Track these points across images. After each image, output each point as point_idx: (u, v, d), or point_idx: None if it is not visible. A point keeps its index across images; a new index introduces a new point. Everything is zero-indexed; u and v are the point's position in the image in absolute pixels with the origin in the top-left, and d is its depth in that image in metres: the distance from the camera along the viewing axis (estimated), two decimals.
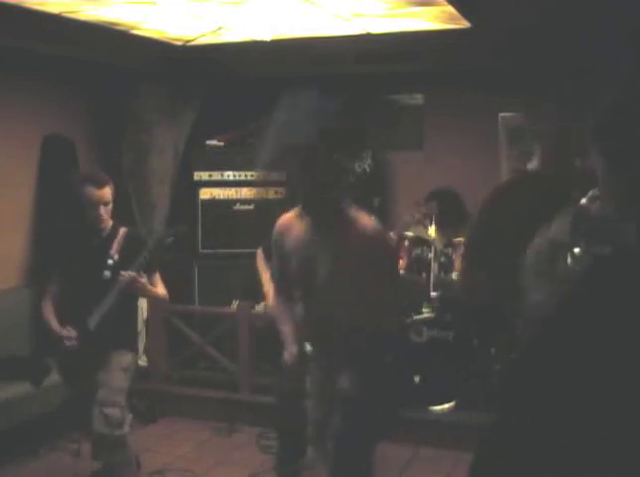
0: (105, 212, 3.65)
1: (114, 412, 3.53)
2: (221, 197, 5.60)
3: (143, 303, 4.86)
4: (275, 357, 3.92)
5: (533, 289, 1.28)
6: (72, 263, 3.71)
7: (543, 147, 5.40)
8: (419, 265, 4.79)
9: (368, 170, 6.00)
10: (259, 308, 4.84)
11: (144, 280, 3.60)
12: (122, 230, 3.76)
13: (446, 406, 4.53)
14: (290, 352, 2.85)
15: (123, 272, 3.53)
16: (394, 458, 4.24)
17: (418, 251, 4.81)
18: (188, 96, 5.65)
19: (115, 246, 3.67)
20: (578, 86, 4.07)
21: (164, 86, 5.57)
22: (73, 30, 4.39)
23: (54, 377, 4.18)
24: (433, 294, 4.70)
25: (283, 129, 2.83)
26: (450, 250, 4.82)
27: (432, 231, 4.85)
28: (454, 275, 4.79)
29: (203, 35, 4.73)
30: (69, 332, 3.59)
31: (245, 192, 5.58)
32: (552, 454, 1.07)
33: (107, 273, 3.61)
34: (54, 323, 3.67)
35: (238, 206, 5.60)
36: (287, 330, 2.94)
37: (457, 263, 4.79)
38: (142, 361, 5.09)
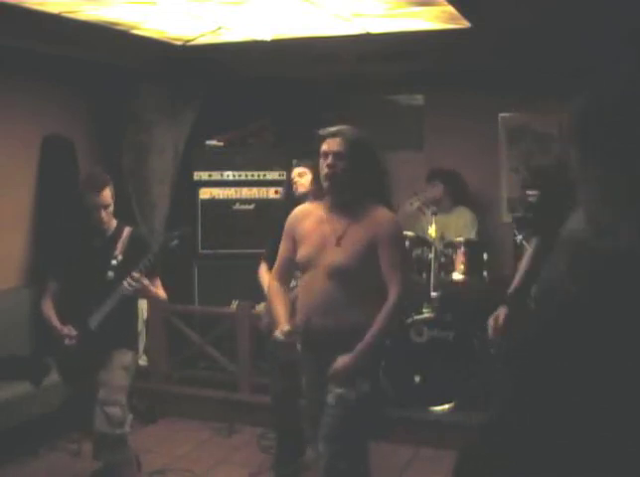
0: (106, 214, 3.66)
1: (115, 411, 3.53)
2: (221, 197, 5.60)
3: (143, 303, 4.86)
4: (271, 357, 3.94)
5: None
6: (73, 263, 3.70)
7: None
8: (419, 265, 4.79)
9: None
10: (259, 308, 4.84)
11: (147, 282, 3.60)
12: (127, 230, 3.76)
13: (446, 406, 4.53)
14: (281, 329, 2.87)
15: (128, 279, 3.51)
16: (394, 458, 4.24)
17: (418, 251, 4.81)
18: (188, 96, 5.65)
19: (119, 247, 3.67)
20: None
21: (164, 86, 5.56)
22: (73, 30, 4.39)
23: (54, 377, 4.18)
24: (433, 294, 4.70)
25: None
26: (450, 250, 4.83)
27: (432, 230, 4.85)
28: (454, 275, 4.79)
29: (203, 35, 4.73)
30: (69, 331, 3.59)
31: (245, 192, 5.59)
32: (550, 454, 1.07)
33: (111, 274, 3.61)
34: (55, 321, 3.66)
35: (238, 206, 5.60)
36: (280, 310, 2.98)
37: (457, 263, 4.79)
38: (142, 361, 5.09)
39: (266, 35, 4.67)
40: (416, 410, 4.53)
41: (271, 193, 5.54)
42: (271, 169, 5.55)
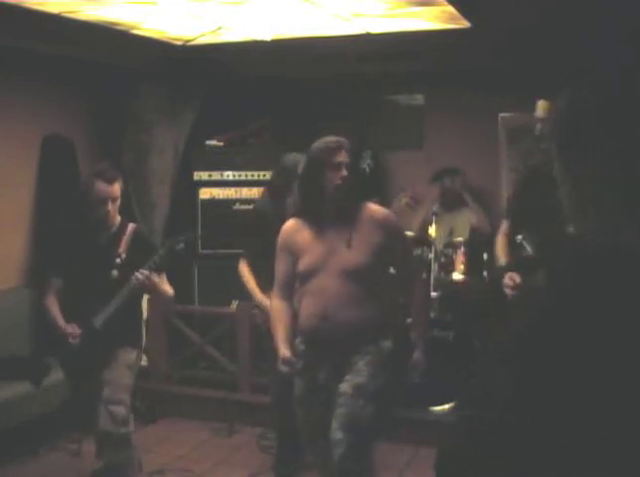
0: (113, 208, 3.62)
1: (119, 410, 3.52)
2: (221, 197, 5.60)
3: (143, 303, 4.85)
4: (270, 356, 3.94)
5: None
6: (76, 261, 3.66)
7: None
8: (419, 265, 4.79)
9: (368, 170, 6.05)
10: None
11: (156, 279, 3.58)
12: (130, 226, 3.74)
13: (446, 406, 4.52)
14: (283, 357, 2.92)
15: (138, 273, 3.49)
16: (394, 458, 4.24)
17: (418, 251, 4.81)
18: (188, 96, 5.65)
19: (123, 245, 3.65)
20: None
21: (164, 86, 5.57)
22: (73, 30, 4.39)
23: (54, 377, 4.18)
24: (433, 294, 4.70)
25: None
26: (450, 250, 4.83)
27: (432, 230, 4.85)
28: (454, 275, 4.80)
29: (203, 35, 4.73)
30: (73, 329, 3.56)
31: (245, 192, 5.59)
32: (550, 454, 1.07)
33: (115, 272, 3.59)
34: (59, 319, 3.62)
35: (238, 206, 5.59)
36: (280, 332, 3.03)
37: (457, 263, 4.79)
38: (142, 361, 5.08)
39: (266, 35, 4.67)
40: (416, 410, 4.53)
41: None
42: (271, 169, 5.54)
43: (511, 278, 2.91)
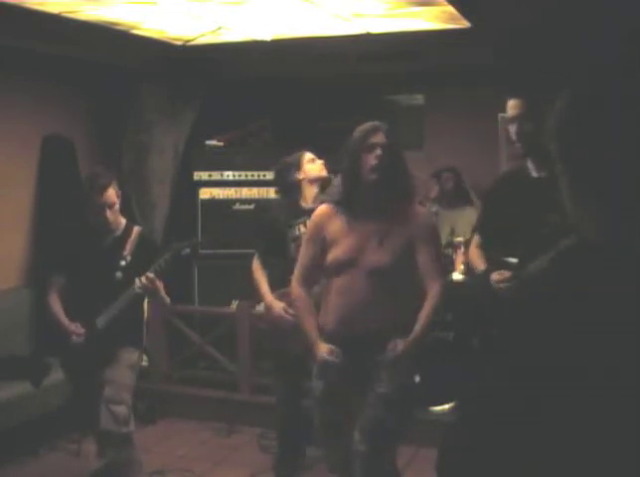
0: (112, 214, 3.61)
1: (121, 409, 3.52)
2: (221, 197, 5.60)
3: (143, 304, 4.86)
4: (275, 357, 3.94)
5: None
6: (80, 262, 3.65)
7: None
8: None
9: None
10: (259, 308, 4.83)
11: (160, 284, 3.58)
12: (135, 229, 3.74)
13: (446, 406, 4.52)
14: (327, 349, 2.84)
15: (143, 276, 3.49)
16: None
17: None
18: (188, 96, 5.65)
19: (128, 248, 3.65)
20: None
21: (164, 86, 5.57)
22: (73, 30, 4.39)
23: (54, 377, 4.18)
24: None
25: None
26: (450, 250, 4.83)
27: None
28: (454, 275, 4.79)
29: (203, 35, 4.73)
30: (77, 328, 3.55)
31: (245, 192, 5.59)
32: (549, 453, 1.07)
33: (119, 274, 3.59)
34: (62, 317, 3.61)
35: (238, 206, 5.60)
36: (312, 326, 2.95)
37: (457, 263, 4.79)
38: (143, 361, 5.09)
39: (266, 35, 4.67)
40: (416, 410, 4.52)
41: (271, 193, 5.52)
42: (271, 169, 5.55)
43: (499, 274, 2.86)
